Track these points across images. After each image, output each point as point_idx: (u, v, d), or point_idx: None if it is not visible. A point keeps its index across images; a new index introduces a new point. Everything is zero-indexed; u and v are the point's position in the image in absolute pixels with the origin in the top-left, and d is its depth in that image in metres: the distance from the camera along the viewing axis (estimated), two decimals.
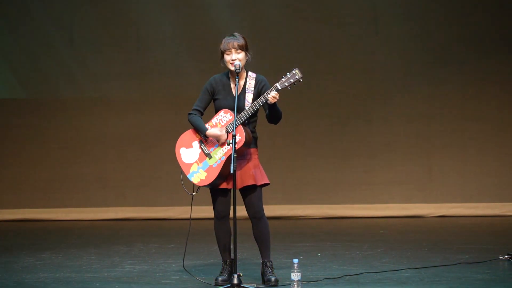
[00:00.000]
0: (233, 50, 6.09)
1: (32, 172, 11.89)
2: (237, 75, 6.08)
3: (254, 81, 6.16)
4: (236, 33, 6.16)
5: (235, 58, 6.08)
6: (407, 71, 11.68)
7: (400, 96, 11.70)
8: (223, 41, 6.13)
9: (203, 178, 6.07)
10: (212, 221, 6.27)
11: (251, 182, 6.06)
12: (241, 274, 5.94)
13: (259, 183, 6.09)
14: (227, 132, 6.02)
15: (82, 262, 7.51)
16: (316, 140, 11.73)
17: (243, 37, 6.14)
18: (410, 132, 11.69)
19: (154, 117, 11.86)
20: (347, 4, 11.68)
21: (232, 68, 6.08)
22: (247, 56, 6.15)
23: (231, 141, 5.94)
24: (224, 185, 6.09)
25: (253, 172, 6.09)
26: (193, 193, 6.19)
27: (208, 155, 6.09)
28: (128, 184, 11.83)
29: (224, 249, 6.24)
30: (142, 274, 6.78)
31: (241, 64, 6.08)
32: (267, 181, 6.14)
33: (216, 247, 6.32)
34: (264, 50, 11.20)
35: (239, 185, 6.09)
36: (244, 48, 6.11)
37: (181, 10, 11.81)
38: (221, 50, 6.13)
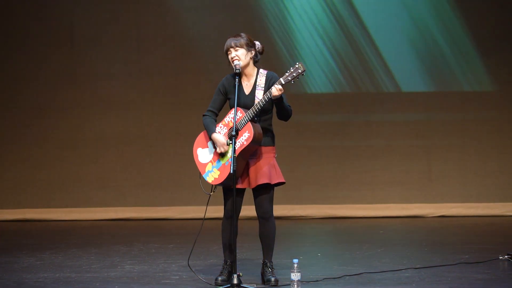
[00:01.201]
0: (232, 49, 6.14)
1: (32, 172, 11.89)
2: (237, 75, 6.11)
3: (264, 78, 6.19)
4: (239, 33, 6.21)
5: (234, 55, 6.12)
6: (406, 71, 11.68)
7: (400, 96, 11.70)
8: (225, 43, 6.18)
9: (216, 176, 6.09)
10: (214, 221, 6.27)
11: (265, 181, 6.05)
12: (241, 274, 5.94)
13: (273, 182, 6.08)
14: (232, 136, 5.99)
15: (82, 262, 7.51)
16: (316, 140, 11.73)
17: (243, 36, 6.17)
18: (410, 132, 11.69)
19: (154, 117, 11.86)
20: (346, 4, 11.68)
21: (233, 67, 6.11)
22: (251, 53, 6.17)
23: (230, 141, 5.97)
24: (238, 185, 6.09)
25: (268, 171, 6.08)
26: (210, 193, 6.20)
27: (221, 154, 6.11)
28: (128, 184, 11.83)
29: (227, 249, 6.24)
30: (142, 274, 6.78)
31: (242, 61, 6.11)
32: (282, 180, 6.13)
33: (217, 246, 6.32)
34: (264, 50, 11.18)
35: (253, 184, 6.09)
36: (243, 45, 6.13)
37: (181, 10, 11.81)
38: (225, 53, 6.19)
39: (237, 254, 5.94)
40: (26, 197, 11.86)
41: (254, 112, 6.03)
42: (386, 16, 11.67)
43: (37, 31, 11.88)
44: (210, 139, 6.18)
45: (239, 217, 6.14)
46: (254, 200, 6.16)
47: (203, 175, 6.15)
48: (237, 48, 6.13)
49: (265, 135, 6.14)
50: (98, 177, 11.86)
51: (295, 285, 5.78)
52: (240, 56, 6.13)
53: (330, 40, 11.71)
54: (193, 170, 6.25)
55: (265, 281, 6.16)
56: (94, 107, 11.90)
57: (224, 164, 6.08)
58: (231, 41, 6.14)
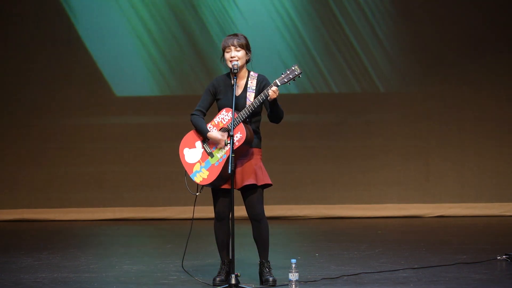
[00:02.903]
0: (232, 48, 6.12)
1: (30, 172, 11.87)
2: (235, 75, 6.10)
3: (255, 80, 6.17)
4: (238, 33, 6.19)
5: (234, 55, 6.10)
6: (405, 71, 11.69)
7: (398, 96, 11.71)
8: (224, 39, 6.17)
9: (205, 177, 6.08)
10: (211, 221, 6.27)
11: (251, 181, 6.04)
12: (239, 274, 5.94)
13: (259, 183, 6.07)
14: (230, 136, 6.00)
15: (80, 262, 7.51)
16: (314, 140, 11.73)
17: (244, 37, 6.17)
18: (407, 132, 11.69)
19: (153, 117, 11.86)
20: (346, 4, 11.68)
21: (230, 66, 6.10)
22: (248, 55, 6.17)
23: (229, 142, 5.96)
24: (226, 186, 6.09)
25: (254, 172, 6.08)
26: (197, 193, 6.19)
27: (211, 154, 6.10)
28: (126, 184, 11.82)
29: (223, 250, 6.24)
30: (140, 275, 6.77)
31: (240, 63, 6.11)
32: (268, 182, 6.11)
33: (214, 247, 6.32)
34: (264, 50, 11.19)
35: (239, 184, 6.08)
36: (244, 46, 6.13)
37: (180, 10, 11.80)
38: (222, 49, 6.16)
39: (234, 255, 5.94)
40: (24, 197, 11.85)
41: (247, 113, 6.03)
42: (384, 16, 11.67)
43: (36, 30, 11.87)
44: (203, 138, 6.14)
45: (234, 218, 6.12)
46: (244, 202, 6.15)
47: (190, 175, 6.14)
48: (239, 48, 6.12)
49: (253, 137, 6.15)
50: (96, 177, 11.86)
51: (293, 285, 5.78)
52: (240, 57, 6.11)
53: (328, 40, 11.71)
54: None
55: (263, 281, 6.16)
56: (93, 107, 11.89)
57: (213, 164, 6.07)
58: (233, 39, 6.12)
